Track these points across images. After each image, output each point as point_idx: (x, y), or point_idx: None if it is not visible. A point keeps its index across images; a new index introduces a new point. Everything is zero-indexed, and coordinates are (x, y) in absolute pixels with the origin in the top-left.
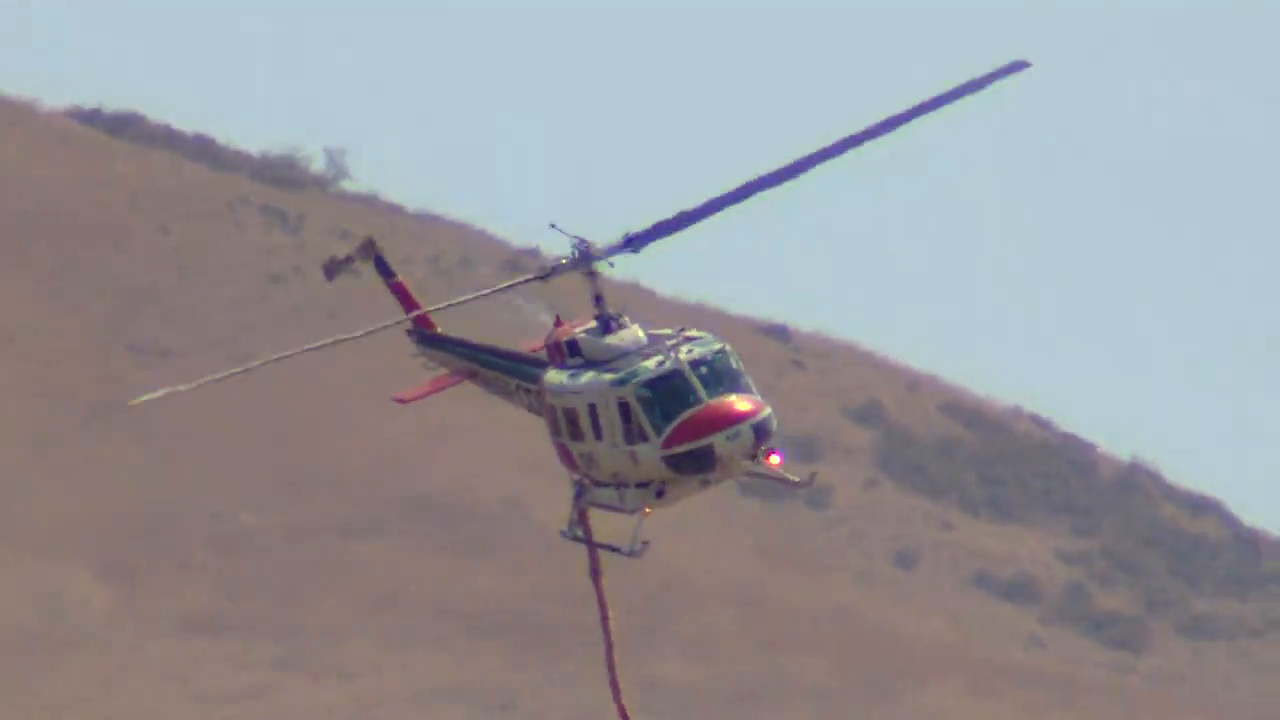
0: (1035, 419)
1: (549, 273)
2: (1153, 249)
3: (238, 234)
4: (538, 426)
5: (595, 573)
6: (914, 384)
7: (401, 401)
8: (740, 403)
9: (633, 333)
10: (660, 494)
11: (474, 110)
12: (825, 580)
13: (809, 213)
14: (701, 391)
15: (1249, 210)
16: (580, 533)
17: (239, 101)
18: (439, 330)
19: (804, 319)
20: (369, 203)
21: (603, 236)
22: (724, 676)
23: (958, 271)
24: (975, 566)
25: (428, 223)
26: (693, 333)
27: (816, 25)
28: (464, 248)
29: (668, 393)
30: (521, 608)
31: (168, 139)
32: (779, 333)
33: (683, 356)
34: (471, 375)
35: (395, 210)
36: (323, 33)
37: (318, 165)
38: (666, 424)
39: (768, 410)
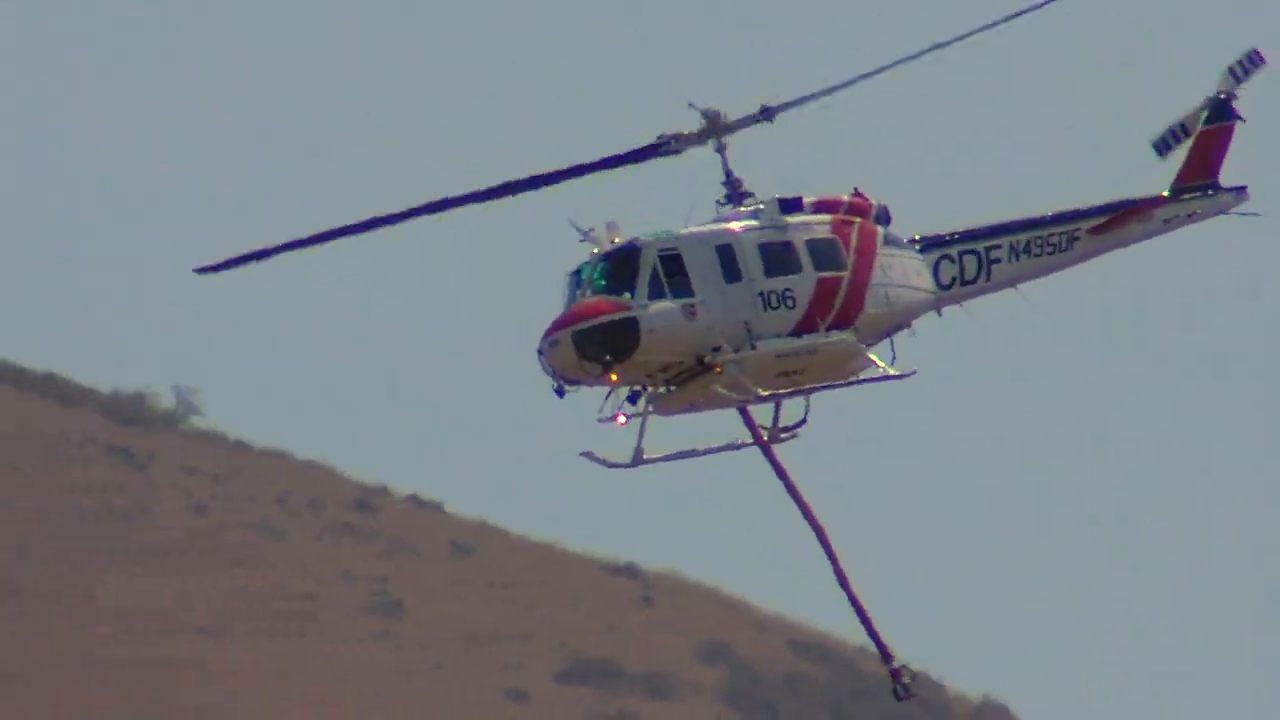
0: None
1: (677, 146)
2: (998, 473)
3: (86, 471)
4: None
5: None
6: (761, 622)
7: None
8: (585, 307)
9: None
10: (629, 399)
11: (324, 350)
12: None
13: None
14: (579, 293)
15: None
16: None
17: (88, 340)
18: None
19: (653, 558)
20: (217, 441)
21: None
22: None
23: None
24: None
25: (275, 461)
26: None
27: None
28: (312, 487)
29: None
30: None
31: (15, 376)
32: (626, 570)
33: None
34: None
35: (242, 448)
36: (170, 270)
37: (166, 403)
38: None
39: (601, 319)
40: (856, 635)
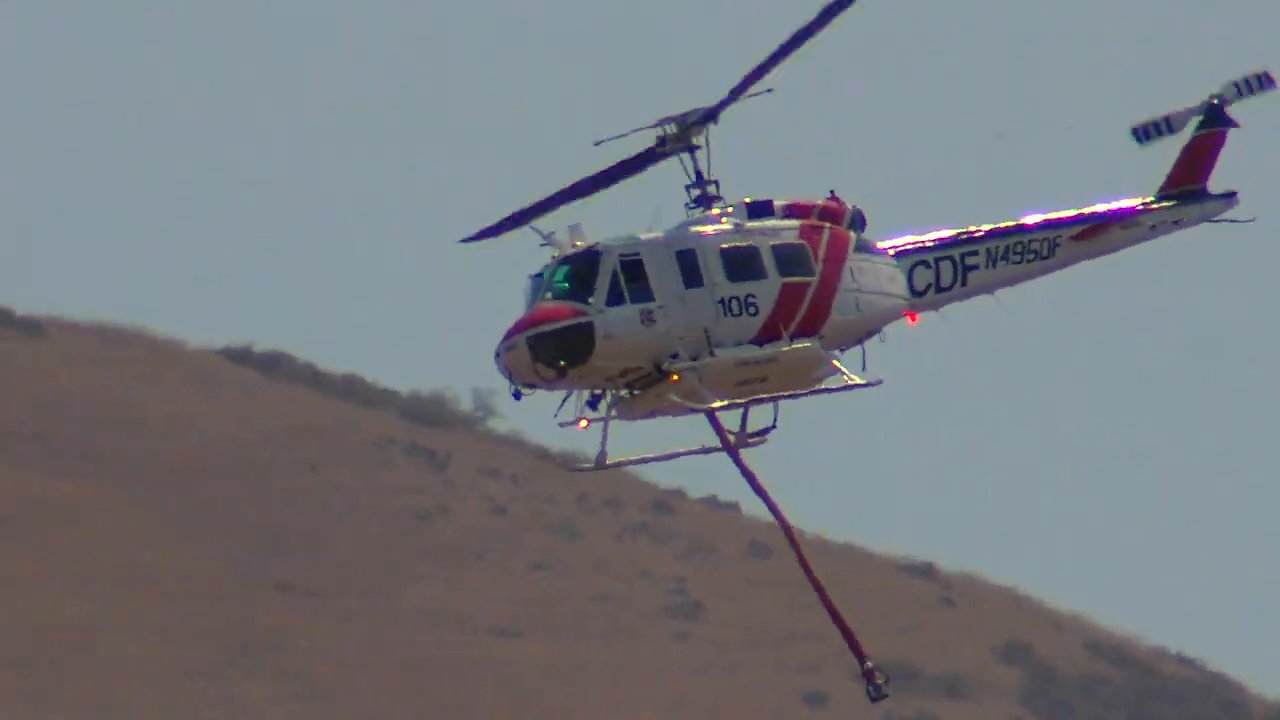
0: (1181, 658)
1: (644, 161)
2: None
3: (385, 473)
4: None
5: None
6: (1059, 622)
7: None
8: (542, 312)
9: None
10: (590, 403)
11: None
12: None
13: (954, 456)
14: (539, 297)
15: None
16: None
17: (389, 342)
18: None
19: (951, 558)
20: (515, 442)
21: None
22: None
23: (1101, 508)
24: None
25: None
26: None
27: None
28: (610, 488)
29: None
30: None
31: (315, 379)
32: (924, 571)
33: (570, 252)
34: None
35: (541, 451)
36: (463, 275)
37: (465, 405)
38: None
39: (557, 324)
40: (1154, 636)
